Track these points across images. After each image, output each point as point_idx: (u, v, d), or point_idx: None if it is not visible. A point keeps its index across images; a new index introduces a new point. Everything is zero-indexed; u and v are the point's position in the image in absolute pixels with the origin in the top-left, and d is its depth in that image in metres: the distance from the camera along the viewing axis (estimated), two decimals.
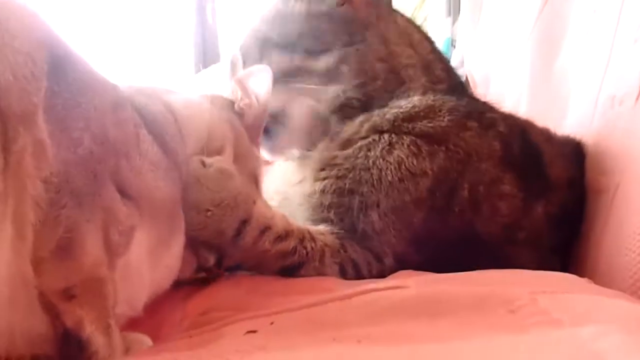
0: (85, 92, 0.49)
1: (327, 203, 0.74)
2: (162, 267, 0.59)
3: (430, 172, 0.73)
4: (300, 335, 0.48)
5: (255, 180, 0.76)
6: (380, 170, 0.73)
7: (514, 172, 0.76)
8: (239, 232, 0.66)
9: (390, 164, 0.73)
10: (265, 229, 0.68)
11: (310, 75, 0.81)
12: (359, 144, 0.76)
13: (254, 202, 0.69)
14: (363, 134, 0.77)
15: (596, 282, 0.61)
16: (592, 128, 0.83)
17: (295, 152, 0.84)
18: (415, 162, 0.73)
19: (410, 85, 0.81)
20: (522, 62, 1.18)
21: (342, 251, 0.71)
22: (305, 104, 0.82)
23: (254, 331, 0.50)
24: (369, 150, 0.75)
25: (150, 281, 0.57)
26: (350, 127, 0.79)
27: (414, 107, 0.77)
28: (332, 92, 0.81)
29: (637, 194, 0.68)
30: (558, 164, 0.81)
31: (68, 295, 0.45)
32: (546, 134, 0.85)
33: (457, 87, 0.88)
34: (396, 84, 0.81)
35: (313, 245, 0.70)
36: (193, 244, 0.65)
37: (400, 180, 0.72)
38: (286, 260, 0.69)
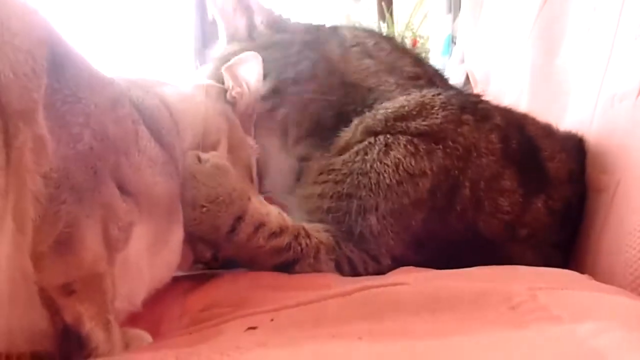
0: (85, 89, 0.49)
1: (325, 207, 0.74)
2: (161, 262, 0.59)
3: (429, 172, 0.72)
4: (300, 332, 0.48)
5: (249, 170, 0.77)
6: (378, 173, 0.72)
7: (513, 167, 0.75)
8: (233, 228, 0.67)
9: (388, 166, 0.72)
10: (260, 225, 0.68)
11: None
12: (355, 148, 0.75)
13: (249, 199, 0.69)
14: (358, 137, 0.76)
15: (596, 279, 0.61)
16: (592, 126, 0.83)
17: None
18: (413, 162, 0.72)
19: (380, 89, 0.81)
20: (522, 59, 1.18)
21: (337, 248, 0.71)
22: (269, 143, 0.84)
23: (254, 327, 0.50)
24: (365, 153, 0.74)
25: (150, 276, 0.57)
26: (346, 132, 0.78)
27: (402, 106, 0.76)
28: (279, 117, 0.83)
29: (637, 192, 0.68)
30: (559, 159, 0.80)
31: (68, 290, 0.45)
32: (547, 129, 0.85)
33: (436, 77, 0.88)
34: (362, 94, 0.81)
35: (308, 242, 0.70)
36: (190, 238, 0.65)
37: (399, 182, 0.71)
38: (280, 256, 0.69)
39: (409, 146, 0.73)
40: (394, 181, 0.71)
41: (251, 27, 0.91)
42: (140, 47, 3.00)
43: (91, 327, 0.46)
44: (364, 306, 0.51)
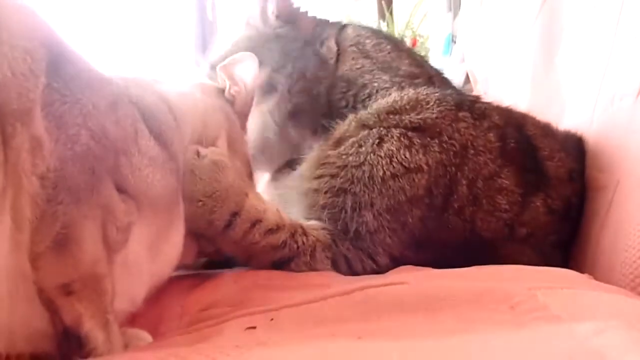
0: (84, 89, 0.49)
1: (321, 203, 0.74)
2: (162, 258, 0.59)
3: (425, 167, 0.71)
4: (300, 331, 0.48)
5: (248, 166, 0.77)
6: (372, 166, 0.72)
7: (511, 166, 0.75)
8: (229, 224, 0.67)
9: (382, 158, 0.72)
10: (256, 222, 0.69)
11: (275, 92, 0.86)
12: (350, 140, 0.75)
13: (246, 195, 0.69)
14: (352, 131, 0.76)
15: (596, 278, 0.61)
16: (592, 125, 0.83)
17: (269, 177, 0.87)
18: (408, 155, 0.71)
19: (374, 85, 0.83)
20: (522, 58, 1.18)
21: (334, 246, 0.71)
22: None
23: (254, 327, 0.50)
24: (359, 146, 0.74)
25: (150, 273, 0.57)
26: (341, 126, 0.78)
27: (395, 101, 0.77)
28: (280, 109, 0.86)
29: (637, 192, 0.67)
30: (559, 158, 0.80)
31: (66, 290, 0.45)
32: (546, 129, 0.84)
33: (435, 78, 0.88)
34: (356, 90, 0.83)
35: (304, 240, 0.70)
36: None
37: (394, 175, 0.71)
38: (276, 253, 0.70)
39: (402, 139, 0.72)
40: (388, 174, 0.71)
41: (264, 15, 0.93)
42: (140, 47, 3.00)
43: (90, 327, 0.46)
44: (363, 305, 0.51)
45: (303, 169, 0.79)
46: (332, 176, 0.74)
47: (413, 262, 0.70)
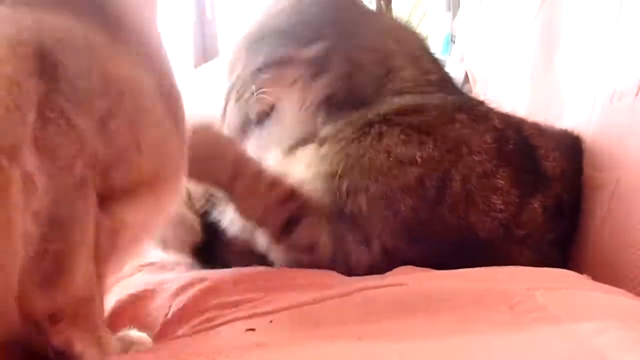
0: (79, 114, 0.45)
1: (318, 187, 0.74)
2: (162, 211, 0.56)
3: (419, 160, 0.73)
4: (299, 333, 0.48)
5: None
6: (370, 158, 0.73)
7: (508, 167, 0.75)
8: (234, 176, 0.73)
9: (380, 152, 0.73)
10: (259, 173, 0.74)
11: (300, 65, 0.82)
12: (352, 136, 0.76)
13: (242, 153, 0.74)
14: (357, 127, 0.77)
15: (595, 279, 0.61)
16: (591, 123, 0.83)
17: (282, 149, 0.83)
18: (404, 149, 0.73)
19: (398, 74, 0.82)
20: (522, 57, 1.18)
21: (330, 224, 0.73)
22: (294, 99, 0.83)
23: (253, 329, 0.50)
24: (359, 141, 0.75)
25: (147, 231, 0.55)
26: (345, 124, 0.78)
27: (401, 106, 0.78)
28: (319, 84, 0.81)
29: (637, 190, 0.68)
30: (554, 157, 0.80)
31: (55, 319, 0.43)
32: (542, 128, 0.84)
33: (449, 81, 0.88)
34: (382, 73, 0.82)
35: (308, 200, 0.73)
36: None
37: (389, 168, 0.72)
38: (285, 208, 0.73)
39: (402, 135, 0.74)
40: (385, 166, 0.73)
41: None
42: None
43: (82, 348, 0.45)
44: (362, 307, 0.51)
45: (302, 159, 0.79)
46: (331, 165, 0.75)
47: (408, 258, 0.70)
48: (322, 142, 0.78)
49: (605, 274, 0.66)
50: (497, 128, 0.78)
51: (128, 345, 0.54)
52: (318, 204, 0.73)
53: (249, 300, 0.59)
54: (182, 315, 0.61)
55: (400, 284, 0.55)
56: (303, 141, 0.80)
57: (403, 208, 0.72)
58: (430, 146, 0.73)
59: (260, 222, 0.74)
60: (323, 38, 0.81)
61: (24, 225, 0.40)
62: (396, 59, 0.83)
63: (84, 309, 0.46)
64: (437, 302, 0.49)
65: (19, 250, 0.40)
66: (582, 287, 0.54)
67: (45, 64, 0.43)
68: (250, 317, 0.54)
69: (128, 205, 0.49)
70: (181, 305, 0.62)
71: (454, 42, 1.78)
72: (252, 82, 0.82)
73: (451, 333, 0.44)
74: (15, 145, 0.40)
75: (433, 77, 0.84)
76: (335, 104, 0.81)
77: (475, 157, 0.74)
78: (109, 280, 0.55)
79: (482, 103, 0.84)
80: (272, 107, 0.83)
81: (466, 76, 1.47)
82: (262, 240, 0.75)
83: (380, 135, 0.75)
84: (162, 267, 0.83)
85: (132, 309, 0.68)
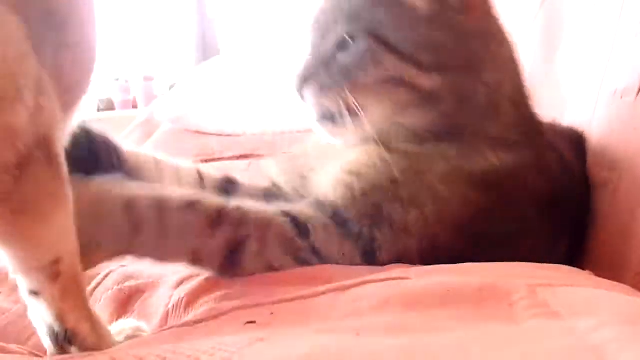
0: None
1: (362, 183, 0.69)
2: None
3: (474, 205, 0.67)
4: (299, 327, 0.48)
5: None
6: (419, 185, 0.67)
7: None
8: None
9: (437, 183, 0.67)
10: (164, 201, 0.63)
11: (410, 91, 0.70)
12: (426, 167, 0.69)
13: None
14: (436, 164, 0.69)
15: (597, 275, 0.61)
16: (593, 121, 0.83)
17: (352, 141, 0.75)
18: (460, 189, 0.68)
19: (500, 120, 0.73)
20: (523, 56, 1.18)
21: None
22: (386, 113, 0.72)
23: (253, 322, 0.50)
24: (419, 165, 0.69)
25: None
26: (425, 155, 0.70)
27: (486, 170, 0.69)
28: (421, 114, 0.71)
29: (638, 188, 0.68)
30: (570, 156, 0.80)
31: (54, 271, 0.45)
32: (549, 125, 0.83)
33: (535, 127, 0.79)
34: (487, 116, 0.72)
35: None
36: None
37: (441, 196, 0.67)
38: (217, 231, 0.63)
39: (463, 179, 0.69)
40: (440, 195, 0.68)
41: None
42: (141, 44, 3.00)
43: (75, 320, 0.47)
44: (363, 301, 0.51)
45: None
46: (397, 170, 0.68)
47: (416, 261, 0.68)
48: (392, 151, 0.70)
49: (608, 270, 0.66)
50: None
51: (125, 333, 0.55)
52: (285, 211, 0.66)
53: (251, 293, 0.59)
54: (183, 306, 0.61)
55: (402, 278, 0.55)
56: (370, 141, 0.72)
57: (440, 236, 0.67)
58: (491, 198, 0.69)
59: (195, 261, 0.63)
60: (443, 70, 0.70)
61: None
62: (502, 104, 0.73)
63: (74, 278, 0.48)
64: (438, 297, 0.49)
65: None
66: (583, 284, 0.54)
67: None
68: (250, 308, 0.54)
69: None
70: (182, 296, 0.62)
71: None
72: (345, 78, 0.70)
73: (451, 328, 0.44)
74: None
75: (525, 128, 0.76)
76: (426, 133, 0.71)
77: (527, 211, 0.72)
78: None
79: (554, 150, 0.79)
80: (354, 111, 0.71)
81: None
82: None
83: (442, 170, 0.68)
84: None
85: (132, 299, 0.69)
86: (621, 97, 0.76)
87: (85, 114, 0.59)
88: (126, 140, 1.02)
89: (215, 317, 0.54)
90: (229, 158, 1.57)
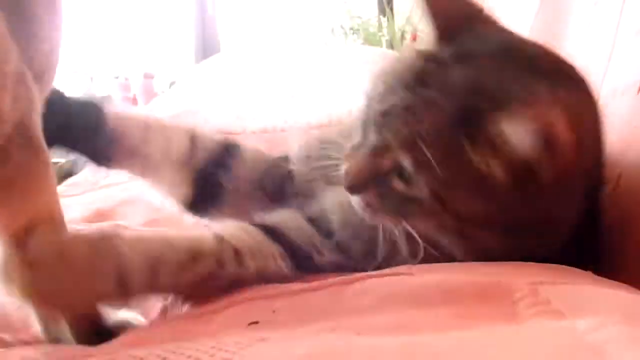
0: None
1: None
2: None
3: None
4: (301, 325, 0.48)
5: None
6: None
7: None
8: None
9: None
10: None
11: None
12: None
13: None
14: None
15: (599, 274, 0.61)
16: None
17: None
18: None
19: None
20: None
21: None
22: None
23: (256, 322, 0.50)
24: None
25: None
26: None
27: None
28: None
29: (639, 185, 0.68)
30: None
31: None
32: None
33: None
34: None
35: None
36: None
37: None
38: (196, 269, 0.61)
39: None
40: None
41: None
42: (141, 43, 3.00)
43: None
44: (365, 296, 0.51)
45: None
46: None
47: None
48: None
49: (609, 269, 0.66)
50: None
51: (120, 324, 0.55)
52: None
53: (251, 287, 0.59)
54: (181, 301, 0.61)
55: (405, 274, 0.55)
56: None
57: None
58: None
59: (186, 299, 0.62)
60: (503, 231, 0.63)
61: None
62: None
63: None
64: (439, 294, 0.49)
65: None
66: (585, 282, 0.54)
67: None
68: (251, 300, 0.54)
69: None
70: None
71: None
72: (401, 206, 0.62)
73: (452, 327, 0.44)
74: None
75: None
76: None
77: None
78: None
79: None
80: None
81: None
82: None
83: None
84: None
85: None
86: (622, 95, 0.76)
87: None
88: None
89: (215, 310, 0.54)
90: None
